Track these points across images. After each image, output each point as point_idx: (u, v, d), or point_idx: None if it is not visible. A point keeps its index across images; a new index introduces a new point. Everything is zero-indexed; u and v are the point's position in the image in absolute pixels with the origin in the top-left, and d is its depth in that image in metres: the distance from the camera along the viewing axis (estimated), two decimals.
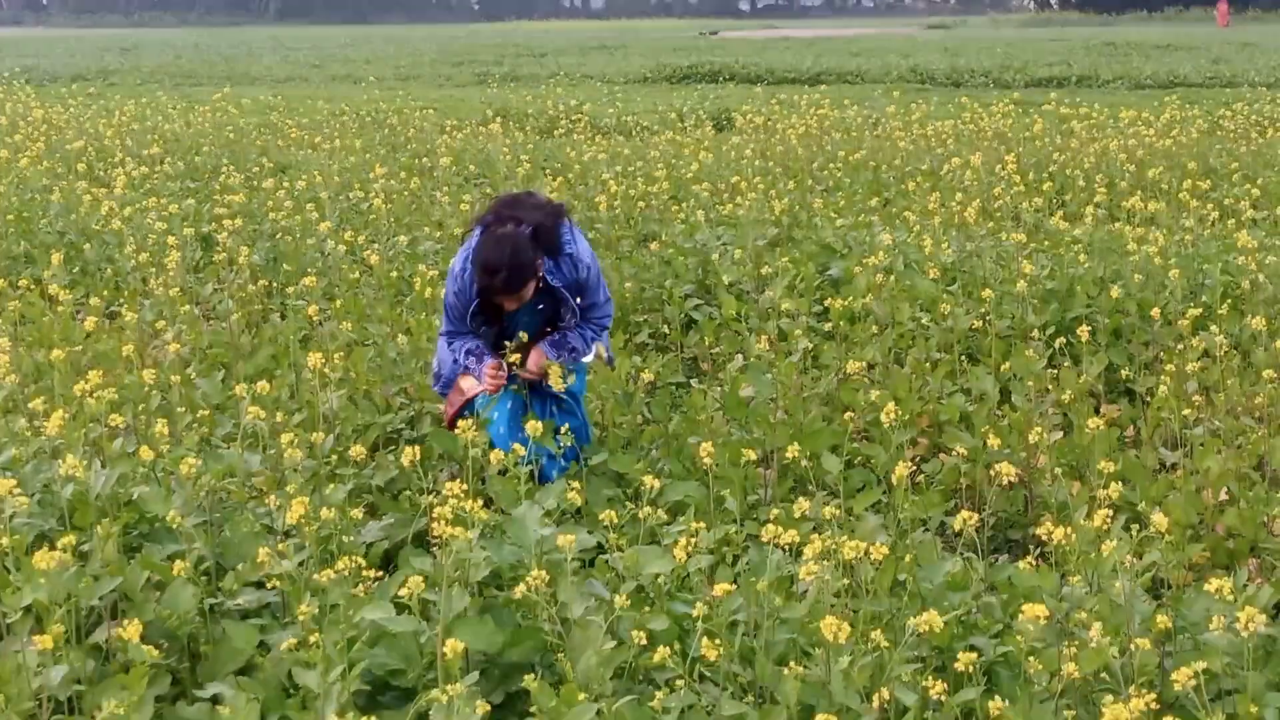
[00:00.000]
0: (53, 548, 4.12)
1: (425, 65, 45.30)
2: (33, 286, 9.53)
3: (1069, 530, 4.23)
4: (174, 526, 4.74)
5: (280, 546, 4.54)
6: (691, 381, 8.44)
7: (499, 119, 21.20)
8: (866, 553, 4.14)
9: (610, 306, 6.47)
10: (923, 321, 8.40)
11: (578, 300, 6.21)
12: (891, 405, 5.67)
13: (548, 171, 15.38)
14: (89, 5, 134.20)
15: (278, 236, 11.18)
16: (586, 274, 6.23)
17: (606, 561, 4.59)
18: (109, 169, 15.35)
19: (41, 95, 28.06)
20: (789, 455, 5.47)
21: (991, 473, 5.14)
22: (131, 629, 3.80)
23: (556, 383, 6.06)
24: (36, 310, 8.83)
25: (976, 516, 4.39)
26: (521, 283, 5.97)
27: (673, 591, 4.53)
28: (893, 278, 8.96)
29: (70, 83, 36.59)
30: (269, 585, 4.55)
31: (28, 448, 5.69)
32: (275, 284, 10.16)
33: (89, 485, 4.88)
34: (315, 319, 8.27)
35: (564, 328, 6.29)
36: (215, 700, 3.98)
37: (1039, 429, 6.11)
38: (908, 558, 4.58)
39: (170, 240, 10.14)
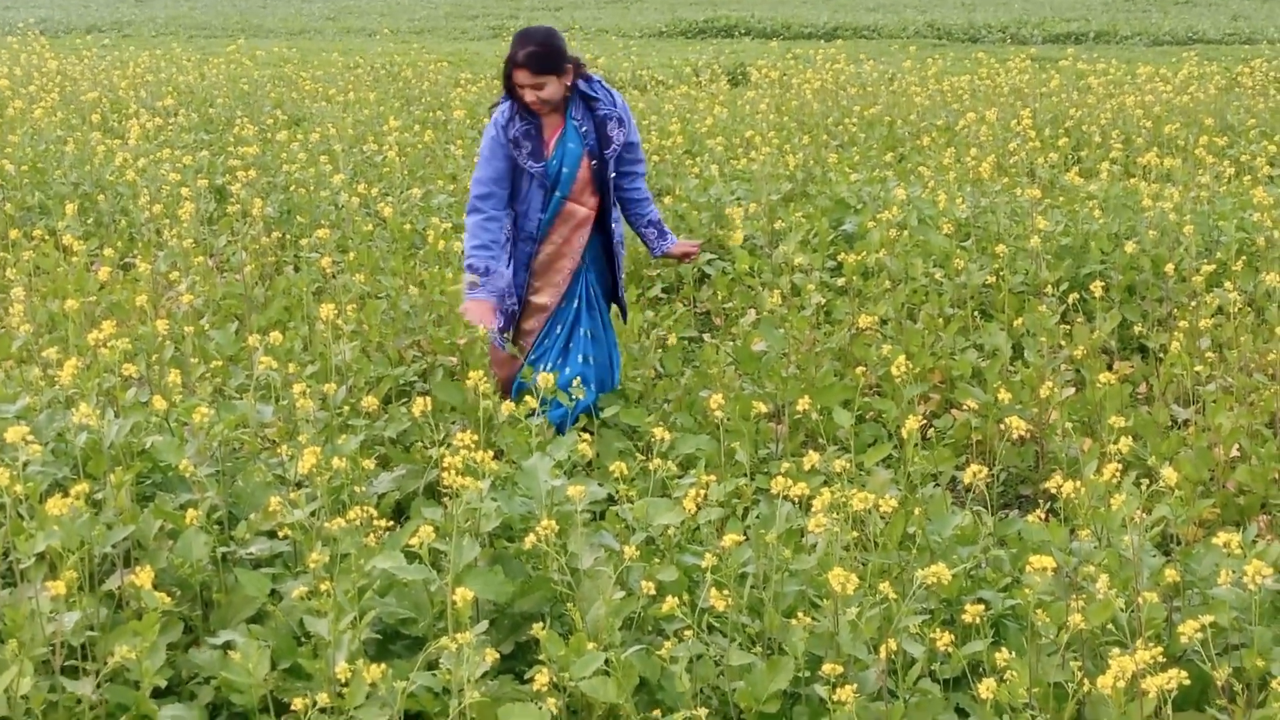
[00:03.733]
0: (66, 495, 4.14)
1: (440, 19, 45.09)
2: (47, 237, 9.55)
3: (1079, 485, 4.23)
4: (187, 476, 4.76)
5: (292, 496, 4.56)
6: (704, 336, 8.44)
7: None
8: (876, 506, 4.15)
9: (644, 165, 6.54)
10: (936, 277, 8.38)
11: (630, 139, 6.28)
12: (903, 360, 5.67)
13: None
14: None
15: (291, 189, 11.18)
16: (625, 105, 6.29)
17: (617, 513, 4.60)
18: (123, 120, 15.33)
19: (56, 46, 27.98)
20: (800, 409, 5.48)
21: (1003, 428, 5.14)
22: (144, 576, 3.82)
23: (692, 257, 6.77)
24: (51, 261, 8.85)
25: (987, 471, 4.40)
26: (549, 64, 6.03)
27: (682, 543, 4.55)
28: (906, 233, 8.94)
29: (85, 34, 36.51)
30: (281, 534, 4.57)
31: (42, 397, 5.71)
32: (289, 236, 10.17)
33: (102, 434, 4.90)
34: (328, 271, 8.27)
35: (627, 185, 6.36)
36: (227, 647, 4.01)
37: (1051, 385, 6.11)
38: (917, 511, 4.59)
39: (184, 192, 10.13)
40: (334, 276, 8.38)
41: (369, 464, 5.03)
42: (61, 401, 5.78)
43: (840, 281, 8.43)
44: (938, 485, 5.27)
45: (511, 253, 6.26)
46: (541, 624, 3.90)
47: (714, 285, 8.96)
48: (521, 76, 6.04)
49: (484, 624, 3.84)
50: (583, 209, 6.24)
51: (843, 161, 12.26)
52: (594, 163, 6.19)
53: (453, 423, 6.36)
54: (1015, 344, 7.41)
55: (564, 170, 6.16)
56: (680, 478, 5.03)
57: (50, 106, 15.80)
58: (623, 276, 6.59)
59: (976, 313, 8.06)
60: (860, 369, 6.52)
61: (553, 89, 6.05)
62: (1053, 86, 16.92)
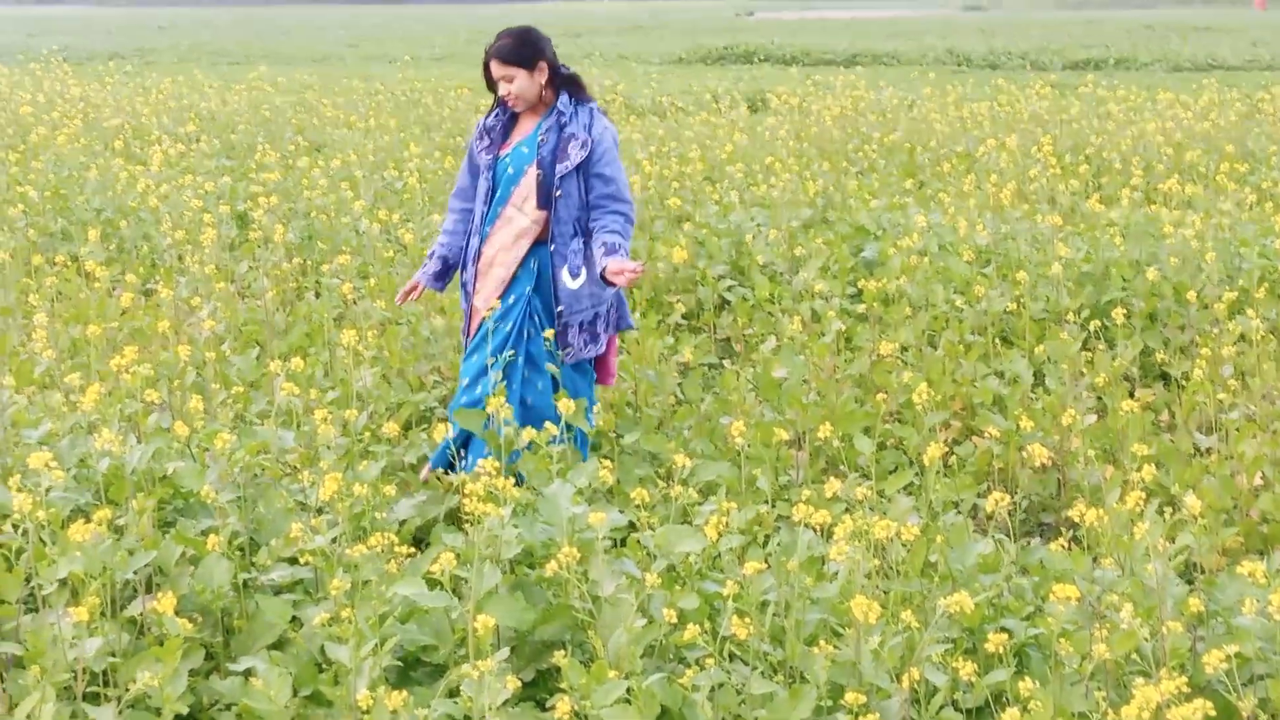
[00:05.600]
0: (88, 521, 4.15)
1: (460, 44, 45.29)
2: (70, 263, 9.60)
3: (1101, 513, 4.22)
4: (208, 502, 4.77)
5: (313, 522, 4.57)
6: (724, 362, 8.44)
7: None
8: (898, 533, 4.14)
9: (632, 209, 6.07)
10: (956, 304, 8.37)
11: (595, 171, 5.94)
12: (924, 387, 5.66)
13: None
14: None
15: (312, 215, 11.22)
16: (603, 135, 6.00)
17: (638, 540, 4.59)
18: (146, 147, 15.42)
19: (79, 73, 28.17)
20: (821, 436, 5.47)
21: (1024, 455, 5.13)
22: (166, 602, 3.83)
23: (625, 275, 5.73)
24: (73, 287, 8.89)
25: (1009, 498, 4.38)
26: (516, 56, 5.96)
27: (703, 570, 4.54)
28: (927, 260, 8.93)
29: (108, 60, 36.76)
30: (302, 561, 4.58)
31: (64, 422, 5.73)
32: (310, 262, 10.20)
33: (125, 460, 4.91)
34: (349, 297, 8.29)
35: (598, 216, 5.95)
36: (248, 674, 4.01)
37: (1073, 412, 6.09)
38: (939, 539, 4.57)
39: (206, 218, 10.18)
40: (355, 302, 8.41)
41: (390, 490, 5.03)
42: (84, 427, 5.80)
43: (861, 308, 8.42)
44: (959, 513, 5.25)
45: (466, 245, 6.21)
46: (563, 651, 3.89)
47: (734, 311, 8.95)
48: (494, 68, 6.01)
49: (505, 651, 3.83)
50: (523, 218, 6.01)
51: (863, 188, 12.27)
52: (540, 174, 5.97)
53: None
54: (1036, 371, 7.39)
55: (509, 171, 6.04)
56: (701, 504, 5.03)
57: (73, 133, 15.89)
58: (577, 321, 6.06)
59: (997, 340, 8.05)
60: (881, 396, 6.50)
61: (522, 83, 5.96)
62: (1073, 113, 16.93)
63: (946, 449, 5.64)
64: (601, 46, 42.45)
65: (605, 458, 6.13)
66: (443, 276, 6.30)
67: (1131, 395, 7.17)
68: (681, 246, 8.84)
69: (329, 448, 5.28)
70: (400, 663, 4.20)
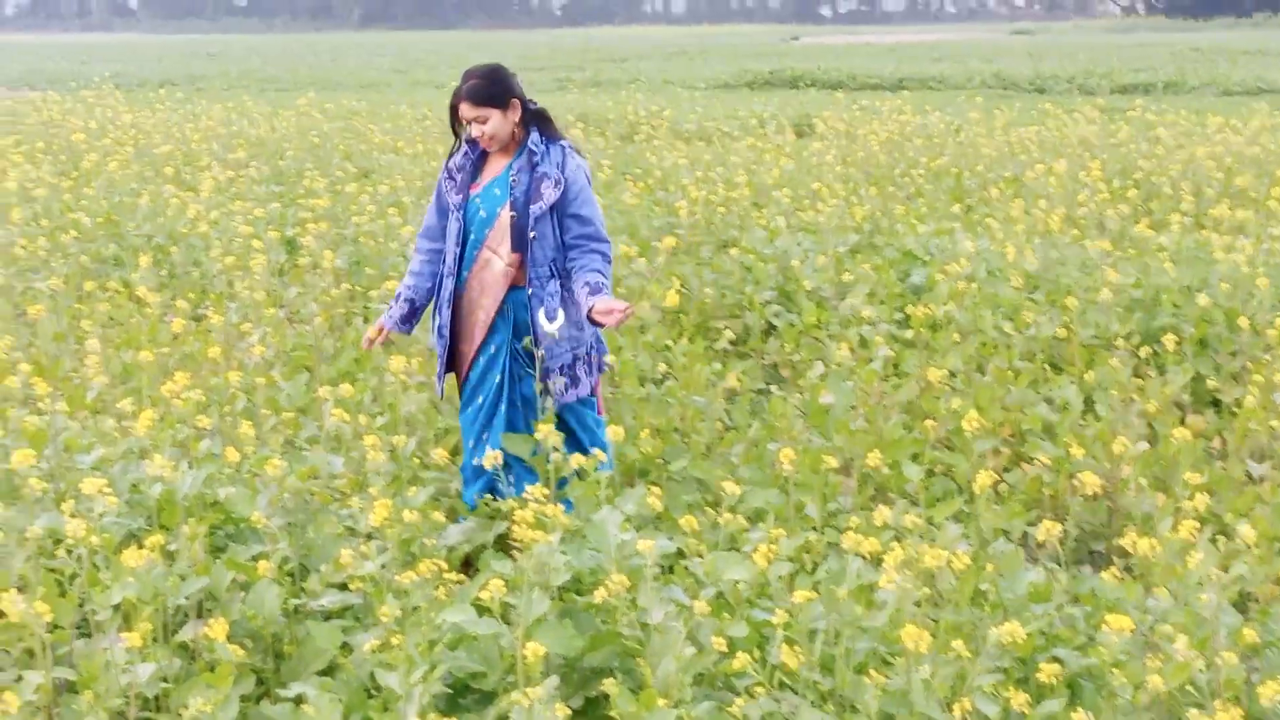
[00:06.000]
0: (140, 547, 4.18)
1: None
2: (121, 288, 9.68)
3: (1154, 542, 4.18)
4: (259, 527, 4.80)
5: (363, 548, 4.59)
6: (772, 388, 8.43)
7: (580, 124, 21.27)
8: (949, 562, 4.12)
9: (609, 247, 5.93)
10: (1005, 329, 8.33)
11: (571, 211, 5.81)
12: (974, 414, 5.63)
13: (629, 176, 15.41)
14: (176, 11, 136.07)
15: (361, 240, 11.28)
16: (576, 173, 5.85)
17: (686, 567, 4.59)
18: (196, 173, 15.55)
19: (130, 100, 28.46)
20: (869, 463, 5.45)
21: (1075, 483, 5.09)
22: (218, 628, 3.85)
23: (614, 315, 5.54)
24: (125, 312, 8.96)
25: (1060, 527, 4.35)
26: (489, 97, 5.78)
27: (752, 598, 4.53)
28: (975, 285, 8.90)
29: (158, 87, 37.11)
30: (352, 587, 4.59)
31: (116, 448, 5.77)
32: (358, 287, 10.25)
33: (176, 486, 4.94)
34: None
35: (576, 256, 5.80)
36: (299, 700, 4.03)
37: (1123, 439, 6.05)
38: (989, 567, 4.55)
39: (256, 244, 10.26)
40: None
41: (438, 516, 5.05)
42: (135, 452, 5.84)
43: (908, 334, 8.40)
44: (1009, 540, 5.22)
45: (439, 287, 6.05)
46: (612, 679, 3.89)
47: (781, 337, 8.94)
48: (465, 110, 5.83)
49: (554, 678, 3.83)
50: (499, 260, 5.85)
51: (910, 213, 12.24)
52: (514, 215, 5.82)
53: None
54: (1086, 398, 7.35)
55: (481, 213, 5.88)
56: (749, 531, 5.02)
57: (125, 159, 16.06)
58: (557, 365, 5.90)
59: (1047, 366, 8.00)
60: (930, 422, 6.48)
61: (496, 124, 5.81)
62: (1121, 137, 16.85)
63: (996, 476, 5.62)
64: (647, 71, 42.56)
65: (653, 484, 6.14)
66: (409, 319, 6.15)
67: (1183, 422, 7.12)
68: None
69: (378, 473, 5.30)
70: (449, 689, 4.21)
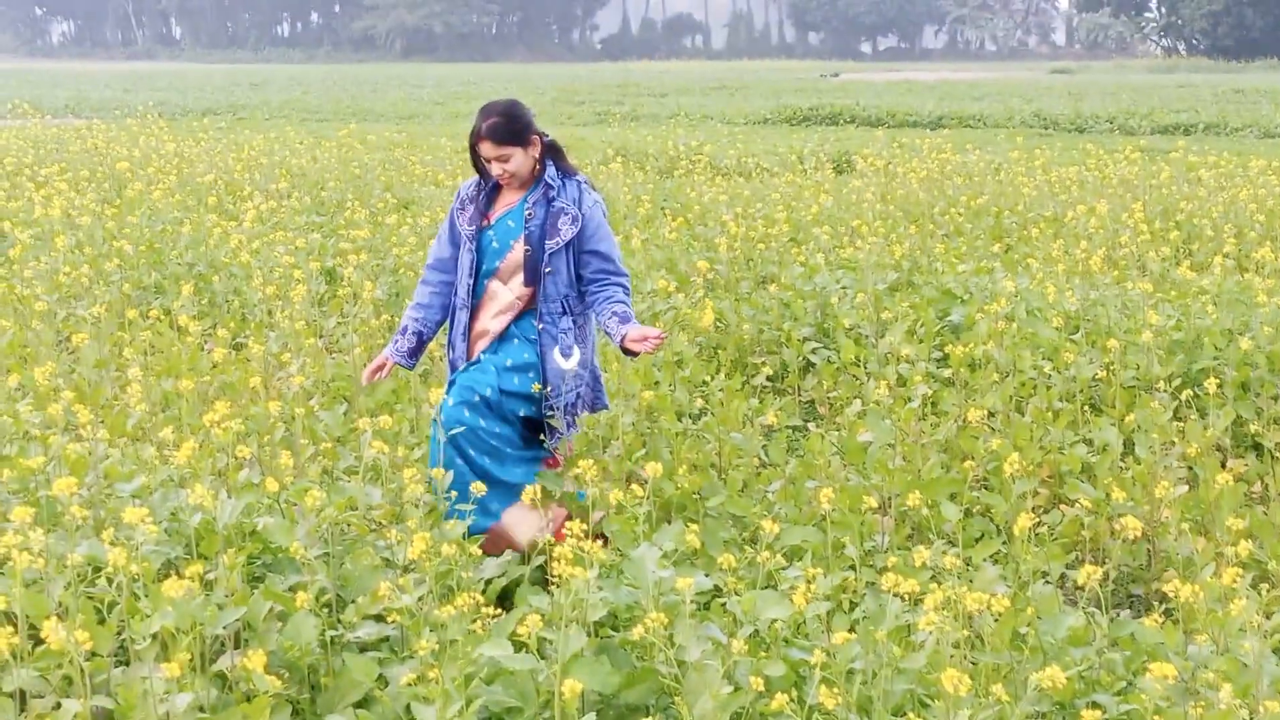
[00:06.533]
0: (178, 575, 4.19)
1: (547, 104, 45.71)
2: (163, 316, 9.74)
3: (1196, 588, 4.15)
4: (297, 558, 4.81)
5: (400, 581, 4.59)
6: (809, 425, 8.41)
7: (619, 158, 21.33)
8: (988, 604, 4.09)
9: (628, 280, 5.98)
10: (1045, 370, 8.30)
11: (589, 248, 5.83)
12: (1015, 456, 5.60)
13: (667, 211, 15.44)
14: (219, 41, 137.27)
15: (400, 271, 11.33)
16: (594, 209, 5.86)
17: (724, 605, 4.57)
18: (238, 202, 15.65)
19: (174, 128, 28.70)
20: (909, 503, 5.43)
21: (1115, 526, 5.06)
22: (256, 659, 3.86)
23: (650, 342, 5.61)
24: (166, 340, 9.02)
25: (1100, 570, 4.32)
26: (511, 135, 5.76)
27: (789, 637, 4.51)
28: (1015, 325, 8.87)
29: (201, 116, 37.40)
30: (389, 619, 4.60)
31: (156, 476, 5.80)
32: (397, 319, 10.28)
33: (216, 515, 4.96)
34: (436, 354, 8.35)
35: (597, 289, 5.82)
36: None
37: (1164, 483, 6.00)
38: (1029, 610, 4.52)
39: (296, 274, 10.32)
40: (441, 359, 8.46)
41: (476, 549, 5.04)
42: (174, 480, 5.86)
43: (947, 373, 8.37)
44: (1048, 582, 5.19)
45: (452, 320, 6.03)
46: (648, 716, 3.88)
47: (819, 374, 8.93)
48: (485, 149, 5.80)
49: (591, 715, 3.83)
50: (509, 294, 5.86)
51: (949, 251, 12.22)
52: (529, 249, 5.81)
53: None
54: (1126, 440, 7.30)
55: (494, 245, 5.87)
56: (786, 569, 5.00)
57: (168, 188, 16.18)
58: (562, 405, 5.92)
59: (1086, 407, 7.96)
60: (968, 462, 6.45)
61: (518, 161, 5.80)
62: (1162, 179, 16.79)
63: (1035, 518, 5.58)
64: (686, 106, 42.68)
65: (690, 520, 6.12)
66: (416, 353, 6.12)
67: (1224, 466, 7.07)
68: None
69: (416, 505, 5.31)
70: None
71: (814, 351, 9.46)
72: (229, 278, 11.25)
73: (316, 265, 11.04)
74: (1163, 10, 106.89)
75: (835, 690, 3.84)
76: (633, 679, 4.26)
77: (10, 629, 3.83)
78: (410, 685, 4.01)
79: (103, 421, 6.92)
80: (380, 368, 6.10)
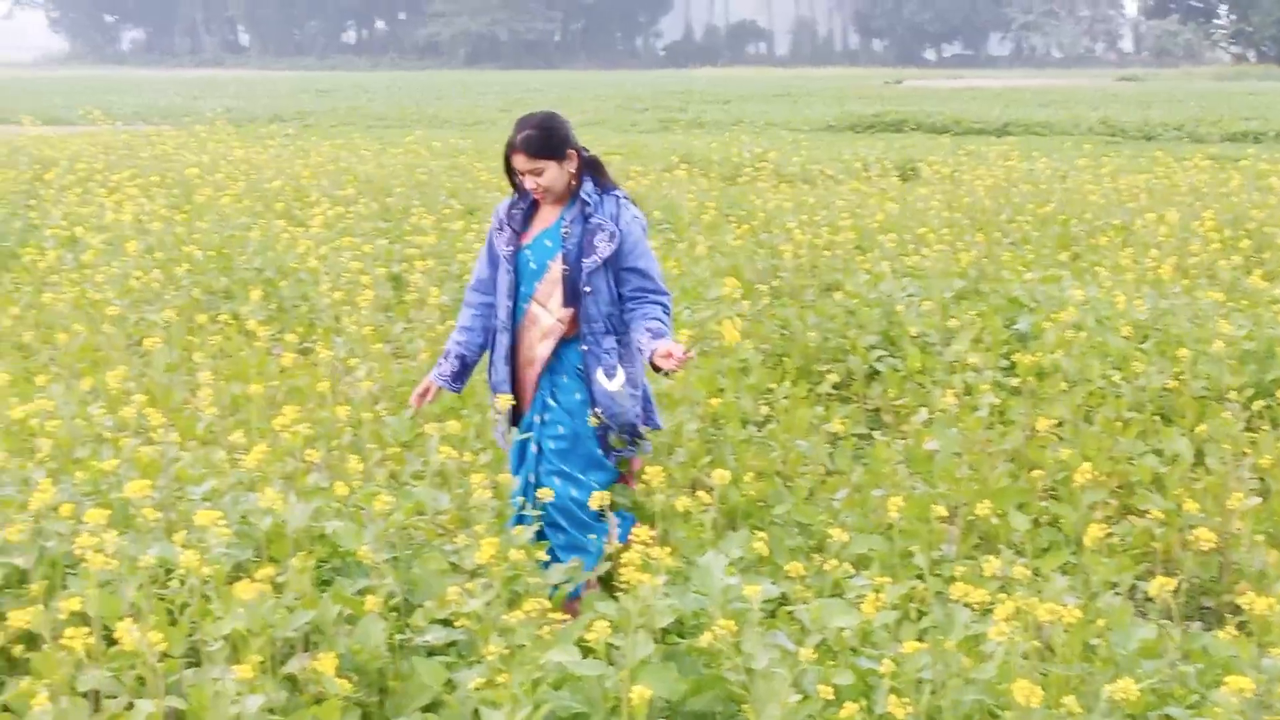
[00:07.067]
0: (249, 578, 4.23)
1: (611, 110, 45.79)
2: (232, 321, 9.83)
3: (1272, 601, 4.10)
4: (365, 562, 4.83)
5: (468, 585, 4.61)
6: (874, 433, 8.38)
7: (683, 165, 21.33)
8: (1060, 615, 4.06)
9: (669, 299, 5.70)
10: (1114, 379, 8.23)
11: (627, 265, 5.57)
12: (1087, 466, 5.55)
13: (731, 218, 15.43)
14: (286, 48, 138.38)
15: (465, 277, 11.34)
16: (632, 225, 5.60)
17: (791, 613, 4.56)
18: (305, 208, 15.76)
19: (242, 135, 28.96)
20: (977, 513, 5.39)
21: (1187, 537, 5.01)
22: (327, 662, 3.88)
23: (674, 359, 5.30)
24: (235, 345, 9.10)
25: (1173, 582, 4.28)
26: (546, 148, 5.53)
27: (857, 646, 4.49)
28: (1083, 334, 8.80)
29: (268, 123, 37.74)
30: (456, 624, 4.61)
31: (226, 479, 5.85)
32: None
33: (286, 518, 5.00)
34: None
35: (635, 306, 5.58)
36: None
37: (1237, 494, 5.94)
38: (1099, 621, 4.48)
39: (363, 279, 10.38)
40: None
41: (543, 554, 5.06)
42: (244, 484, 5.91)
43: (1014, 382, 8.32)
44: (1117, 594, 5.15)
45: (493, 343, 5.81)
46: None
47: (885, 382, 8.90)
48: (519, 161, 5.57)
49: None
50: (548, 316, 5.62)
51: (1016, 260, 12.13)
52: (566, 268, 5.58)
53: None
54: (1197, 450, 7.23)
55: (531, 265, 5.64)
56: (853, 577, 4.98)
57: (237, 194, 16.32)
58: (617, 424, 5.68)
59: (1156, 417, 7.88)
60: (1036, 472, 6.40)
61: (552, 175, 5.56)
62: (1232, 186, 16.61)
63: (1108, 531, 5.54)
64: (750, 113, 42.63)
65: (756, 528, 6.12)
66: (461, 377, 5.93)
67: None
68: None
69: (483, 510, 5.32)
70: None
71: (879, 359, 9.42)
72: (297, 283, 11.33)
73: (383, 271, 11.11)
74: (1232, 17, 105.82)
75: (904, 700, 3.82)
76: (700, 686, 4.25)
77: (85, 629, 3.88)
78: (479, 689, 4.02)
79: (173, 425, 6.99)
80: (426, 392, 5.94)
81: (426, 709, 4.32)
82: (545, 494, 5.25)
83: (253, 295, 9.81)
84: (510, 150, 5.60)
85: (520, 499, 5.62)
